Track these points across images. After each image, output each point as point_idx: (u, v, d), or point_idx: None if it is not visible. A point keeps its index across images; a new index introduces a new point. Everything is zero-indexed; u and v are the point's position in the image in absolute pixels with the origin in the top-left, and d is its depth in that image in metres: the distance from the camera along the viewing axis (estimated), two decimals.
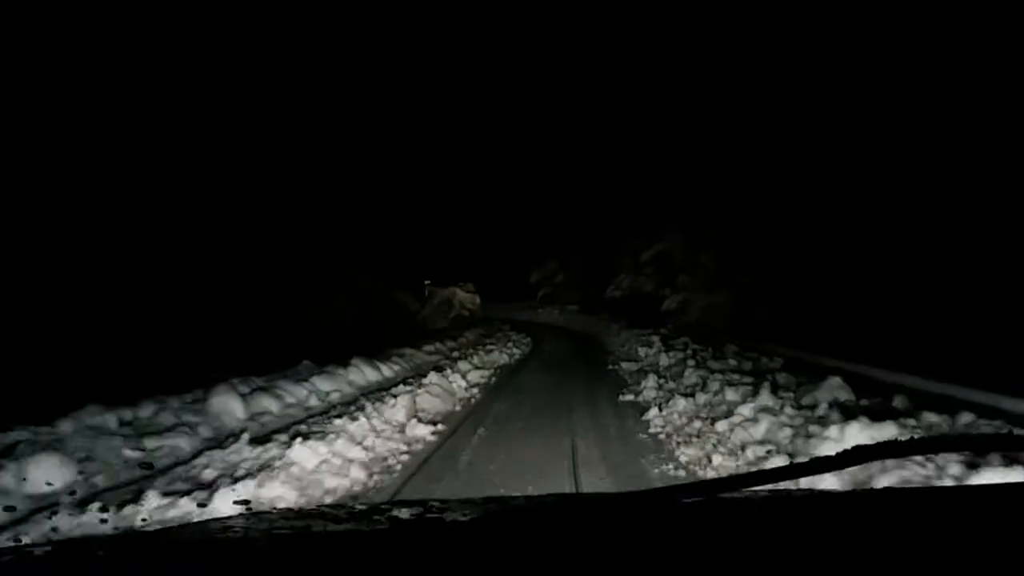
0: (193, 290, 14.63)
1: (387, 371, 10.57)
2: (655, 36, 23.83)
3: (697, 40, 20.98)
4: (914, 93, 14.30)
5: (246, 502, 3.92)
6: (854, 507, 0.85)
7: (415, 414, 7.28)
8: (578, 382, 10.28)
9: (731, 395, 7.01)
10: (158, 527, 2.37)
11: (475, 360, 13.12)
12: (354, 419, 6.41)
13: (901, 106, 14.48)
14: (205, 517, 3.33)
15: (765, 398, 6.37)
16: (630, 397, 8.28)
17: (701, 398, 7.28)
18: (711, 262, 16.27)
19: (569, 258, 33.39)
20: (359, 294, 22.46)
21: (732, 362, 9.68)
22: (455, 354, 14.33)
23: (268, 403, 7.23)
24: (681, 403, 7.15)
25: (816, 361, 10.01)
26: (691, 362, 9.69)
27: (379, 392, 8.55)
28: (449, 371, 10.34)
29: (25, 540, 3.30)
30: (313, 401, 7.81)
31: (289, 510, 1.12)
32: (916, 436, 0.94)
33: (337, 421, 6.36)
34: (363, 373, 9.68)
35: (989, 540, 0.64)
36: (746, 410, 6.16)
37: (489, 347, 15.82)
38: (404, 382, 9.73)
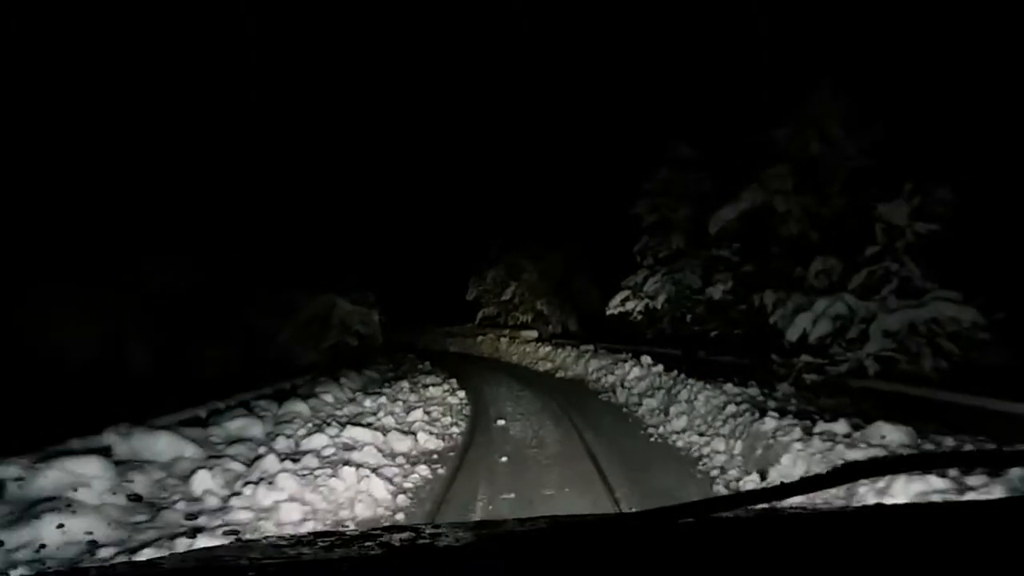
0: None
1: None
2: None
3: None
4: None
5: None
6: (847, 524, 0.82)
7: None
8: None
9: None
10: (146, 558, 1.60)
11: None
12: None
13: None
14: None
15: None
16: None
17: None
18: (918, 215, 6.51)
19: (519, 263, 23.48)
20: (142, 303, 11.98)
21: None
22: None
23: None
24: None
25: None
26: None
27: None
28: None
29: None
30: None
31: (280, 537, 0.92)
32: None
33: None
34: None
35: (982, 557, 0.64)
36: None
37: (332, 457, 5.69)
38: None
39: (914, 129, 8.45)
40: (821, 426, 4.64)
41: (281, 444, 5.39)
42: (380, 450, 5.51)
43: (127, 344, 12.50)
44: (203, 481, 4.13)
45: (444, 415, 7.99)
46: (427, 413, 7.80)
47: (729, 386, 6.79)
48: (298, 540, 0.86)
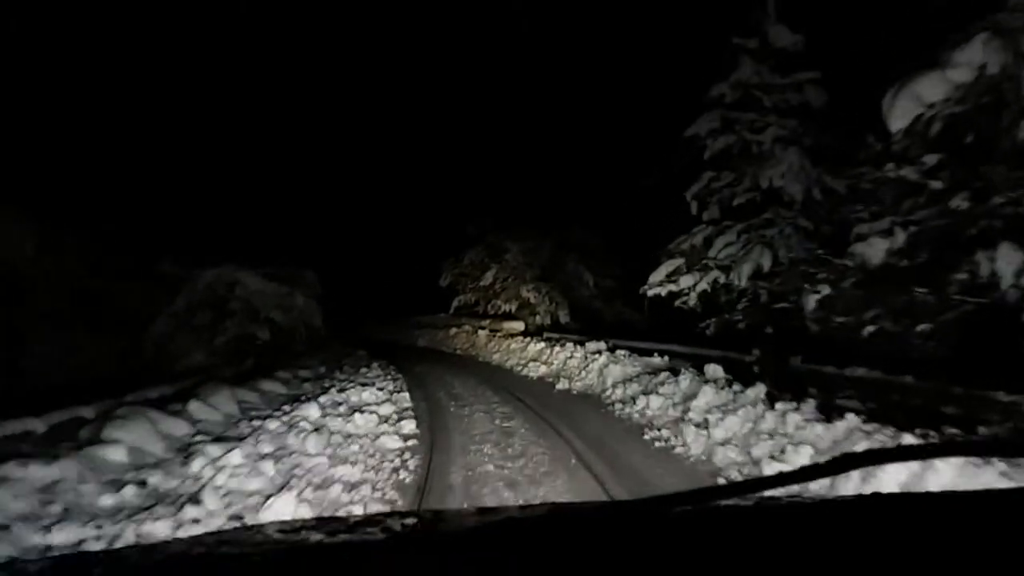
0: None
1: None
2: None
3: None
4: None
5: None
6: (844, 513, 0.81)
7: None
8: None
9: None
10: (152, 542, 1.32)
11: None
12: None
13: None
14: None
15: None
16: None
17: None
18: None
19: (501, 243, 19.27)
20: None
21: None
22: None
23: None
24: None
25: None
26: None
27: None
28: None
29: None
30: None
31: (284, 522, 0.90)
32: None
33: None
34: None
35: (978, 546, 0.63)
36: None
37: None
38: None
39: None
40: None
41: None
42: None
43: None
44: None
45: (354, 492, 3.81)
46: (313, 493, 3.61)
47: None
48: (301, 525, 0.85)
